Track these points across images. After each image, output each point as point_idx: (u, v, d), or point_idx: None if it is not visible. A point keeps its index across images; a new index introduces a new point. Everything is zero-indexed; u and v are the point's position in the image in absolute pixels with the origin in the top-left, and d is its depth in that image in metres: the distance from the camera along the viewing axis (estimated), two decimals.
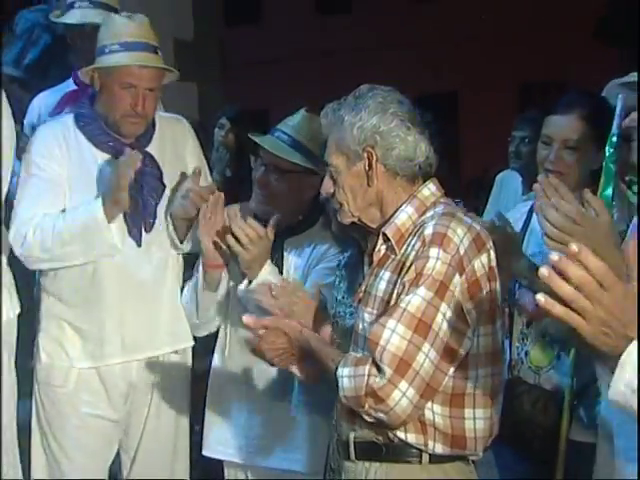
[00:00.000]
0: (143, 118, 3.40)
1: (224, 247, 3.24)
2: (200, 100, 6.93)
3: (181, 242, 3.48)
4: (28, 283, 3.76)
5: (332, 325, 2.78)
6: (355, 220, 2.54)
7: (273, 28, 20.83)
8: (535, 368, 3.17)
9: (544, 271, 1.53)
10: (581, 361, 2.90)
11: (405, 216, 2.47)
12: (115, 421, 3.55)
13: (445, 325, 2.33)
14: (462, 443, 2.43)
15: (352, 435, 2.50)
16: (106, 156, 3.45)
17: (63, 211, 3.41)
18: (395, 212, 2.49)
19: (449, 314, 2.33)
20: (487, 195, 5.61)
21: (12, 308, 3.41)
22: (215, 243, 3.27)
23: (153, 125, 3.53)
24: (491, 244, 2.45)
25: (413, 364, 2.30)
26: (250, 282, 3.18)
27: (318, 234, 3.30)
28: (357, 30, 19.61)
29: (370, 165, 2.47)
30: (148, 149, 3.48)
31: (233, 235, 3.14)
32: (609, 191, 2.83)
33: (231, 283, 3.37)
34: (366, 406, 2.34)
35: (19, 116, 3.54)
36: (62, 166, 3.42)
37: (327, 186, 2.56)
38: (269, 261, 3.18)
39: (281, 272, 3.24)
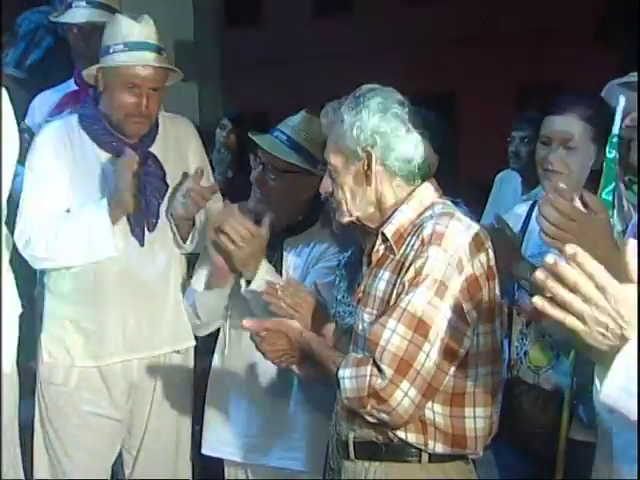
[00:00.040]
0: (147, 118, 3.41)
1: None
2: (200, 101, 6.94)
3: (184, 242, 3.49)
4: (28, 283, 3.77)
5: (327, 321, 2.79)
6: (353, 220, 2.55)
7: (273, 29, 20.84)
8: (534, 368, 3.18)
9: (540, 274, 1.54)
10: (581, 361, 2.90)
11: (404, 216, 2.48)
12: (117, 420, 3.56)
13: (445, 324, 2.33)
14: (462, 442, 2.44)
15: (352, 434, 2.50)
16: (110, 156, 3.46)
17: (67, 211, 3.43)
18: (394, 212, 2.49)
19: (449, 313, 2.34)
20: (486, 195, 5.62)
21: (14, 308, 3.41)
22: (221, 252, 3.26)
23: (156, 125, 3.54)
24: (490, 243, 2.45)
25: (414, 364, 2.31)
26: (248, 282, 3.19)
27: (317, 234, 3.31)
28: (357, 31, 19.61)
29: (369, 165, 2.48)
30: (151, 149, 3.50)
31: (226, 234, 3.15)
32: (609, 191, 2.83)
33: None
34: (368, 407, 2.35)
35: (19, 117, 3.54)
36: (65, 165, 3.44)
37: (326, 185, 2.57)
38: (265, 260, 3.18)
39: (280, 272, 3.25)
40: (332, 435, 2.64)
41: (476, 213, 3.63)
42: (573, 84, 12.36)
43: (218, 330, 3.49)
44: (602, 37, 16.18)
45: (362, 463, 2.50)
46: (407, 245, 2.43)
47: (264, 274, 3.12)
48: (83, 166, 3.46)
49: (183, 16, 7.03)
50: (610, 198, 2.82)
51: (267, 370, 3.19)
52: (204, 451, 3.47)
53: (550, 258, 1.54)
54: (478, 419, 2.44)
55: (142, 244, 3.44)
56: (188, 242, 3.49)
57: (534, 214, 3.15)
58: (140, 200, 3.42)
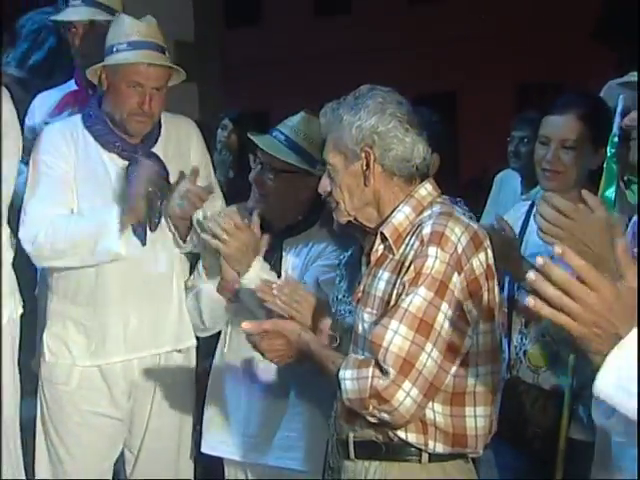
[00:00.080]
0: (149, 117, 3.42)
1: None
2: (200, 101, 6.95)
3: (183, 242, 3.49)
4: (29, 283, 3.78)
5: (334, 321, 2.79)
6: (351, 219, 2.55)
7: (273, 29, 20.84)
8: (534, 368, 3.18)
9: (531, 275, 1.55)
10: (580, 360, 2.91)
11: (402, 216, 2.48)
12: (118, 419, 3.56)
13: (446, 324, 2.33)
14: (463, 441, 2.44)
15: (352, 434, 2.50)
16: (113, 156, 3.48)
17: (72, 211, 3.44)
18: (392, 212, 2.49)
19: (450, 313, 2.34)
20: (486, 195, 5.62)
21: (15, 308, 3.43)
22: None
23: (159, 126, 3.55)
24: (488, 243, 2.45)
25: (416, 364, 2.31)
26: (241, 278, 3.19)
27: (316, 234, 3.31)
28: (356, 31, 19.63)
29: (368, 165, 2.48)
30: (154, 149, 3.51)
31: (210, 230, 3.14)
32: (611, 191, 2.84)
33: None
34: (370, 407, 2.35)
35: (20, 116, 3.56)
36: (69, 164, 3.45)
37: (324, 185, 2.57)
38: (259, 257, 3.18)
39: (280, 273, 3.25)
40: (332, 434, 2.64)
41: (476, 213, 3.63)
42: (572, 84, 12.35)
43: (219, 331, 3.49)
44: (600, 38, 16.19)
45: (362, 462, 2.50)
46: (406, 245, 2.43)
47: (258, 270, 3.11)
48: (86, 166, 3.47)
49: (183, 16, 7.03)
50: (612, 197, 2.83)
51: (266, 370, 3.20)
52: (203, 450, 3.48)
53: (540, 259, 1.55)
54: (478, 418, 2.44)
55: (144, 244, 3.44)
56: (187, 242, 3.49)
57: (533, 214, 3.16)
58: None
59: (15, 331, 3.44)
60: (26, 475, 3.52)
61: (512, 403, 3.10)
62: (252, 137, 3.28)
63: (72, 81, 4.08)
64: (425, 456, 2.44)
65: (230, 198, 3.64)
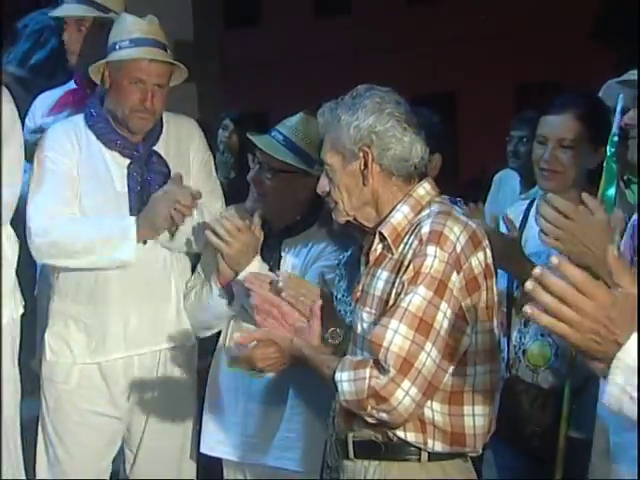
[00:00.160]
0: (151, 114, 3.44)
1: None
2: (200, 101, 6.94)
3: (171, 237, 3.49)
4: (29, 283, 3.78)
5: (337, 317, 2.80)
6: (350, 219, 2.56)
7: (272, 29, 20.83)
8: (533, 367, 3.19)
9: (528, 285, 1.56)
10: (579, 359, 2.91)
11: (401, 215, 2.48)
12: (117, 418, 3.57)
13: (445, 323, 2.34)
14: (462, 440, 2.45)
15: (351, 434, 2.51)
16: (115, 154, 3.50)
17: (78, 207, 3.45)
18: (391, 211, 2.50)
19: (449, 312, 2.34)
20: (485, 195, 5.63)
21: (16, 308, 3.44)
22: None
23: (161, 124, 3.56)
24: (487, 242, 2.46)
25: (415, 363, 2.31)
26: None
27: (315, 235, 3.31)
28: (356, 31, 19.62)
29: (366, 164, 2.48)
30: (155, 148, 3.53)
31: (213, 231, 3.16)
32: (612, 191, 2.84)
33: None
34: (368, 408, 2.35)
35: (21, 116, 3.57)
36: (73, 162, 3.48)
37: (323, 185, 2.58)
38: (258, 257, 3.19)
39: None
40: (330, 434, 2.64)
41: None
42: (572, 84, 12.35)
43: (219, 331, 3.50)
44: (598, 37, 16.19)
45: (361, 462, 2.51)
46: (405, 244, 2.44)
47: (255, 270, 3.13)
48: (89, 164, 3.49)
49: (182, 16, 7.03)
50: (612, 198, 2.83)
51: None
52: (202, 450, 3.48)
53: (537, 269, 1.56)
54: (477, 417, 2.44)
55: (145, 242, 3.45)
56: (175, 240, 3.49)
57: (532, 213, 3.17)
58: (144, 198, 3.45)
59: (15, 331, 3.45)
60: (26, 475, 3.53)
61: (511, 402, 3.10)
62: (251, 137, 3.29)
63: (72, 81, 4.09)
64: (424, 455, 2.45)
65: (231, 198, 3.65)
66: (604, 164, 2.90)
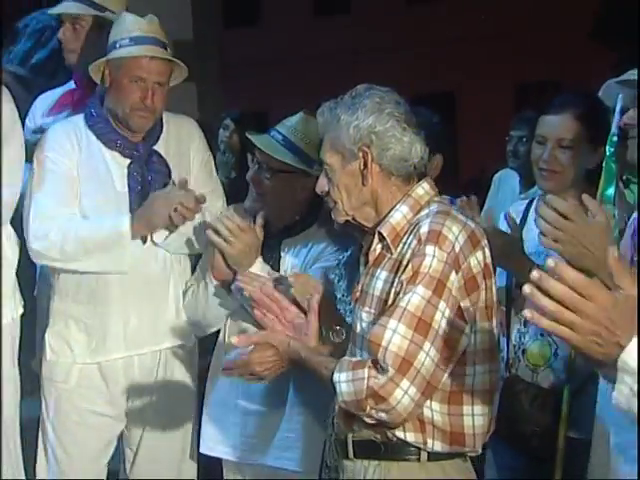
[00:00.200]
0: (152, 112, 3.44)
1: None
2: (199, 100, 6.95)
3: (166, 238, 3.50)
4: (29, 283, 3.78)
5: (339, 315, 2.80)
6: (349, 219, 2.56)
7: (272, 29, 20.83)
8: (532, 366, 3.19)
9: (527, 289, 1.56)
10: (578, 359, 2.91)
11: (400, 215, 2.48)
12: (115, 418, 3.57)
13: (444, 323, 2.34)
14: (461, 440, 2.44)
15: (350, 434, 2.51)
16: (115, 154, 3.50)
17: (78, 207, 3.46)
18: (390, 211, 2.50)
19: (447, 312, 2.34)
20: (485, 194, 5.63)
21: (15, 308, 3.44)
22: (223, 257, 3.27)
23: (161, 124, 3.57)
24: (486, 241, 2.46)
25: (414, 363, 2.31)
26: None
27: (315, 235, 3.31)
28: (356, 31, 19.62)
29: (365, 164, 2.48)
30: (155, 147, 3.54)
31: (215, 231, 3.16)
32: (611, 190, 2.84)
33: None
34: (367, 408, 2.35)
35: (21, 116, 3.57)
36: (73, 162, 3.48)
37: (322, 184, 2.58)
38: (260, 258, 3.20)
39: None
40: (330, 434, 2.64)
41: None
42: (571, 84, 12.35)
43: (218, 330, 3.50)
44: (598, 37, 16.20)
45: (361, 462, 2.51)
46: (404, 244, 2.44)
47: (257, 271, 3.13)
48: (89, 164, 3.49)
49: (182, 16, 7.03)
50: (612, 197, 2.83)
51: None
52: (201, 450, 3.48)
53: (535, 273, 1.56)
54: (476, 417, 2.44)
55: (144, 241, 3.46)
56: (174, 242, 3.49)
57: (531, 212, 3.17)
58: (143, 197, 3.45)
59: (15, 331, 3.45)
60: (26, 475, 3.53)
61: (511, 402, 3.10)
62: (250, 136, 3.30)
63: (72, 81, 4.09)
64: (424, 455, 2.45)
65: (232, 198, 3.65)
66: (603, 164, 2.90)
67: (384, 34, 19.29)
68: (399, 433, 2.42)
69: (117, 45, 3.43)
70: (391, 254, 2.46)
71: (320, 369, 2.47)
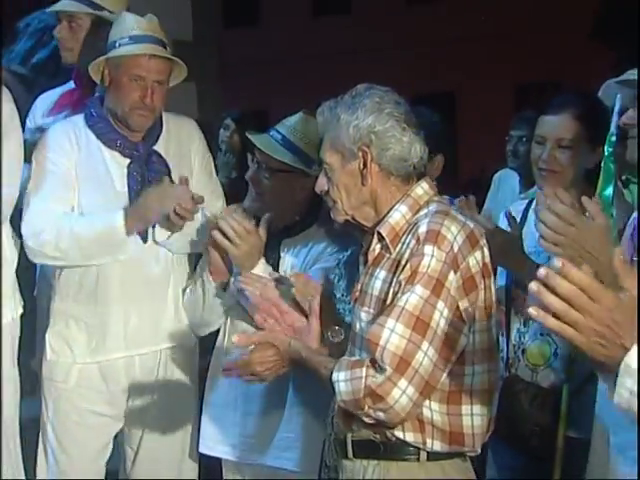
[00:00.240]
0: (151, 111, 3.45)
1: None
2: (199, 100, 6.96)
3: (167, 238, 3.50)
4: (29, 283, 3.78)
5: (338, 316, 2.81)
6: (348, 218, 2.56)
7: (271, 29, 20.84)
8: (532, 366, 3.19)
9: (533, 286, 1.55)
10: (578, 359, 2.91)
11: (399, 215, 2.48)
12: (115, 418, 3.57)
13: (442, 322, 2.34)
14: (460, 440, 2.44)
15: (349, 433, 2.50)
16: (115, 154, 3.50)
17: (73, 208, 3.46)
18: (389, 211, 2.50)
19: (446, 311, 2.34)
20: (484, 194, 5.63)
21: (15, 308, 3.44)
22: (219, 251, 3.28)
23: (160, 124, 3.57)
24: (485, 241, 2.46)
25: (412, 362, 2.31)
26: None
27: (315, 235, 3.32)
28: (355, 31, 19.63)
29: (365, 164, 2.48)
30: (155, 147, 3.54)
31: (221, 231, 3.17)
32: (609, 190, 2.84)
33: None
34: (365, 407, 2.35)
35: (22, 115, 3.58)
36: (72, 162, 3.48)
37: (321, 184, 2.58)
38: (263, 259, 3.20)
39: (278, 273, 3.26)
40: (329, 434, 2.64)
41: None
42: (571, 84, 12.35)
43: (218, 330, 3.50)
44: (598, 37, 16.20)
45: (360, 462, 2.50)
46: (403, 244, 2.44)
47: (260, 272, 3.13)
48: (88, 163, 3.50)
49: (182, 16, 7.04)
50: (610, 197, 2.83)
51: None
52: (201, 450, 3.48)
53: (542, 270, 1.55)
54: (475, 417, 2.44)
55: (145, 241, 3.46)
56: (176, 241, 3.49)
57: (531, 212, 3.17)
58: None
59: (15, 331, 3.45)
60: (26, 475, 3.53)
61: (510, 401, 3.10)
62: (249, 136, 3.30)
63: (72, 81, 4.10)
64: (423, 455, 2.45)
65: (232, 198, 3.65)
66: (602, 164, 2.90)
67: (384, 34, 19.31)
68: (398, 433, 2.42)
69: (117, 44, 3.44)
70: (390, 254, 2.46)
71: (320, 369, 2.47)
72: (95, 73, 3.51)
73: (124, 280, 3.48)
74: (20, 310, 3.48)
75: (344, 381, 2.37)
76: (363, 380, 2.33)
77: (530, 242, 3.06)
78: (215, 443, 3.42)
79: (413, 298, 2.33)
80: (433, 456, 2.45)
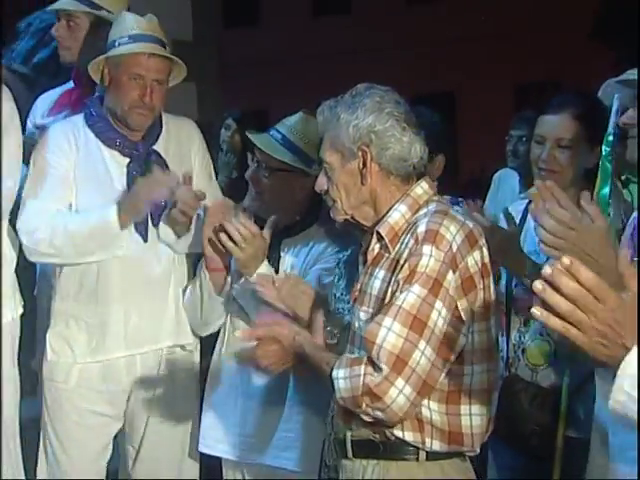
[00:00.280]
0: (150, 110, 3.45)
1: (223, 250, 3.26)
2: (199, 100, 6.96)
3: (178, 237, 3.49)
4: (29, 283, 3.78)
5: (332, 318, 2.80)
6: (348, 218, 2.56)
7: (271, 29, 20.85)
8: (532, 366, 3.19)
9: (538, 285, 1.54)
10: (577, 358, 2.91)
11: (398, 215, 2.48)
12: (115, 418, 3.57)
13: (440, 322, 2.34)
14: (459, 440, 2.44)
15: (349, 433, 2.50)
16: (114, 153, 3.50)
17: (70, 207, 3.46)
18: (388, 211, 2.49)
19: (444, 311, 2.34)
20: (485, 194, 5.63)
21: (16, 308, 3.44)
22: (215, 246, 3.28)
23: (160, 124, 3.57)
24: (484, 241, 2.46)
25: (409, 362, 2.31)
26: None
27: (316, 235, 3.32)
28: (355, 31, 19.64)
29: (364, 164, 2.48)
30: (155, 147, 3.54)
31: (227, 233, 3.17)
32: (606, 190, 2.84)
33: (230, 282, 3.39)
34: (363, 405, 2.35)
35: (23, 114, 3.58)
36: (70, 162, 3.48)
37: (321, 183, 2.58)
38: (266, 262, 3.20)
39: (278, 273, 3.25)
40: (329, 433, 2.64)
41: None
42: (571, 84, 12.36)
43: (218, 330, 3.50)
44: (597, 37, 16.21)
45: (360, 462, 2.50)
46: (402, 243, 2.44)
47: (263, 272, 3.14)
48: (86, 163, 3.49)
49: (182, 16, 7.05)
50: (607, 197, 2.83)
51: None
52: (201, 449, 3.49)
53: (548, 269, 1.55)
54: (474, 416, 2.44)
55: (145, 240, 3.46)
56: (181, 242, 3.50)
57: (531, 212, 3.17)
58: None
59: (15, 331, 3.45)
60: (26, 475, 3.53)
61: (510, 401, 3.10)
62: (249, 135, 3.30)
63: (71, 81, 4.10)
64: (422, 454, 2.44)
65: (233, 198, 3.64)
66: (600, 163, 2.91)
67: (384, 34, 19.31)
68: (398, 432, 2.42)
69: (116, 43, 3.45)
70: (389, 253, 2.46)
71: (322, 364, 2.46)
72: (95, 72, 3.51)
73: (125, 279, 3.48)
74: (20, 310, 3.48)
75: (343, 378, 2.37)
76: (361, 378, 2.33)
77: (530, 241, 3.06)
78: (215, 442, 3.42)
79: (411, 297, 2.33)
80: (432, 456, 2.45)
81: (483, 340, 2.43)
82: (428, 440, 2.42)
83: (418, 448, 2.44)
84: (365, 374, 2.33)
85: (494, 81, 18.75)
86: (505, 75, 18.74)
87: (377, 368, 2.32)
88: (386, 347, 2.31)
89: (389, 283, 2.41)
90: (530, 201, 3.30)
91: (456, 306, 2.36)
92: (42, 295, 3.82)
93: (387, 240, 2.47)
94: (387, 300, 2.39)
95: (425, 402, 2.38)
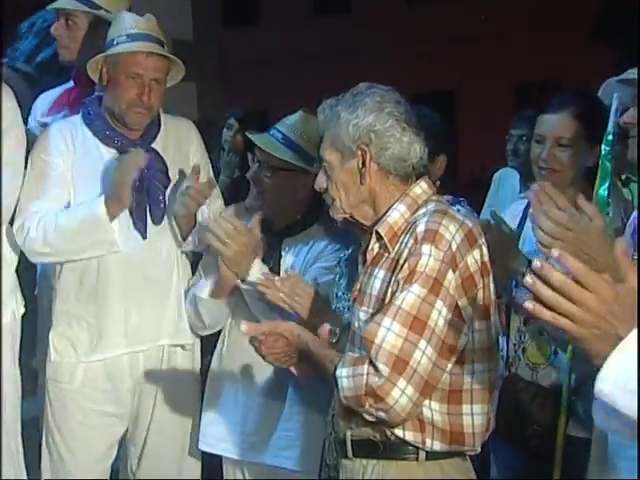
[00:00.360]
0: (148, 109, 3.45)
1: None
2: (199, 100, 6.96)
3: (184, 240, 3.51)
4: (29, 283, 3.78)
5: (333, 316, 2.80)
6: (347, 217, 2.56)
7: (271, 29, 20.84)
8: (532, 365, 3.19)
9: (528, 279, 1.55)
10: (578, 357, 2.91)
11: (398, 214, 2.48)
12: (120, 418, 3.57)
13: (441, 321, 2.33)
14: (460, 439, 2.44)
15: (349, 433, 2.50)
16: (112, 152, 3.50)
17: (67, 206, 3.46)
18: (388, 210, 2.49)
19: (444, 311, 2.34)
20: (485, 193, 5.63)
21: (17, 308, 3.44)
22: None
23: (158, 124, 3.57)
24: (484, 240, 2.46)
25: (410, 362, 2.31)
26: (243, 281, 3.20)
27: (316, 234, 3.32)
28: (355, 30, 19.63)
29: (364, 163, 2.48)
30: (153, 145, 3.54)
31: (212, 232, 3.16)
32: (604, 189, 2.84)
33: None
34: (366, 405, 2.35)
35: (24, 114, 3.59)
36: (67, 162, 3.48)
37: (320, 181, 2.58)
38: (258, 259, 3.19)
39: (279, 272, 3.25)
40: (329, 433, 2.64)
41: (477, 212, 3.65)
42: (571, 84, 12.36)
43: (220, 329, 3.50)
44: (598, 37, 16.21)
45: (360, 461, 2.50)
46: (401, 243, 2.43)
47: (257, 272, 3.13)
48: (84, 162, 3.50)
49: (182, 16, 7.05)
50: (606, 196, 2.83)
51: (264, 369, 3.19)
52: (201, 447, 3.49)
53: (537, 262, 1.55)
54: (475, 416, 2.44)
55: (144, 237, 3.46)
56: (188, 241, 3.51)
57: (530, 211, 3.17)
58: (142, 194, 3.45)
59: (16, 331, 3.46)
60: (27, 475, 3.53)
61: (510, 400, 3.10)
62: (250, 135, 3.30)
63: (71, 80, 4.10)
64: (422, 454, 2.44)
65: (235, 198, 3.65)
66: (599, 163, 2.91)
67: (384, 33, 19.31)
68: (398, 432, 2.42)
69: (114, 42, 3.45)
70: (389, 253, 2.46)
71: (325, 362, 2.46)
72: (93, 71, 3.51)
73: (124, 277, 3.48)
74: (22, 310, 3.48)
75: (346, 377, 2.36)
76: (364, 377, 2.33)
77: (529, 241, 3.06)
78: (216, 441, 3.43)
79: (410, 297, 2.33)
80: (432, 455, 2.45)
81: (484, 339, 2.43)
82: (429, 440, 2.42)
83: (418, 448, 2.44)
84: (368, 373, 2.33)
85: (494, 80, 18.74)
86: (505, 75, 18.73)
87: (377, 369, 2.32)
88: (385, 347, 2.31)
89: (389, 283, 2.41)
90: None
91: (456, 305, 2.36)
92: (43, 295, 3.82)
93: (386, 240, 2.47)
94: (387, 300, 2.39)
95: (426, 402, 2.38)
